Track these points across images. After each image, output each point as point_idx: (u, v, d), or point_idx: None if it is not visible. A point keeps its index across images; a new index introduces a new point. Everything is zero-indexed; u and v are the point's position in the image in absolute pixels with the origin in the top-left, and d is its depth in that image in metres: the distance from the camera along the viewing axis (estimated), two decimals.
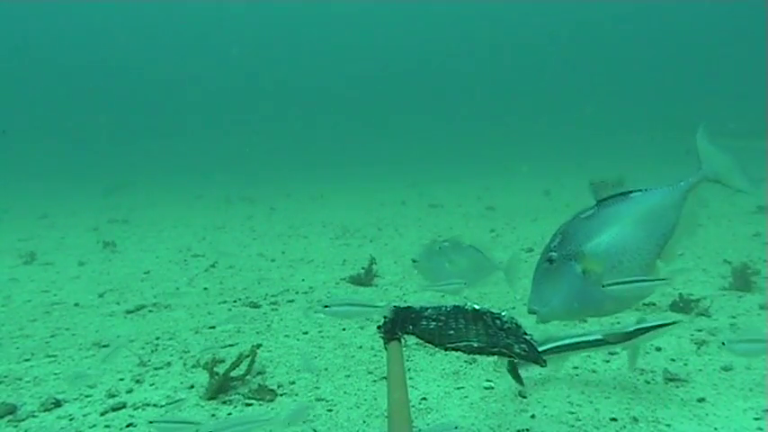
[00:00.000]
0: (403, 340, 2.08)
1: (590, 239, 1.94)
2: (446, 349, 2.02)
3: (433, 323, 2.12)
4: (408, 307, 2.26)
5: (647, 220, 1.98)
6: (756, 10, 37.03)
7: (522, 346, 2.01)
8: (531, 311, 2.04)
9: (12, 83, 52.52)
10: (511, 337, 2.06)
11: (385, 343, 2.07)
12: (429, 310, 2.22)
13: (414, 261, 3.14)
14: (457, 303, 2.29)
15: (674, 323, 2.35)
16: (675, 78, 49.28)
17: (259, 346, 3.23)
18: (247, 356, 3.13)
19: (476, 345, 1.98)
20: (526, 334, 2.13)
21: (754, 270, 4.64)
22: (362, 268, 5.51)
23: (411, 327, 2.11)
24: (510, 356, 1.98)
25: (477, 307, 2.25)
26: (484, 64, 58.57)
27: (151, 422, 2.37)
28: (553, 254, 1.97)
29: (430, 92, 56.85)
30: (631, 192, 2.02)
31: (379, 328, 2.14)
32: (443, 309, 2.24)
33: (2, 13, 52.66)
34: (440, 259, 3.06)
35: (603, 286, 1.91)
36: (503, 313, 2.24)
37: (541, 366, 2.02)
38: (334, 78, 59.09)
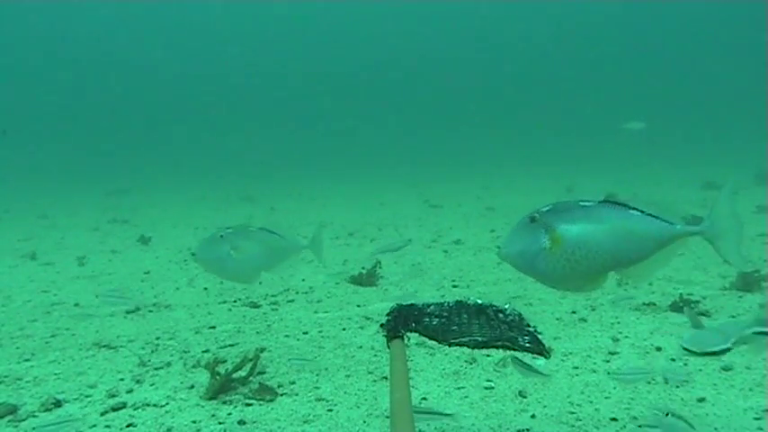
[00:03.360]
0: (406, 338, 2.07)
1: (567, 222, 2.09)
2: (450, 345, 2.01)
3: (436, 320, 2.12)
4: (411, 304, 2.26)
5: (624, 238, 2.05)
6: (756, 10, 37.01)
7: (527, 338, 2.01)
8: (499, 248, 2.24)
9: (12, 83, 52.52)
10: (514, 330, 2.06)
11: (388, 341, 2.07)
12: (431, 307, 2.23)
13: (192, 254, 2.92)
14: (460, 299, 2.29)
15: None
16: (675, 78, 49.29)
17: (263, 350, 3.23)
18: (251, 360, 3.13)
19: (480, 339, 1.98)
20: (529, 326, 2.12)
21: (762, 275, 4.60)
22: (363, 268, 5.51)
23: (414, 324, 2.10)
24: (514, 349, 1.98)
25: (479, 301, 2.26)
26: (484, 64, 58.55)
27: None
28: (537, 215, 2.16)
29: (430, 92, 56.84)
30: (632, 209, 2.06)
31: (381, 326, 2.14)
32: (446, 305, 2.24)
33: (2, 13, 52.67)
34: (223, 248, 2.83)
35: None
36: (505, 306, 2.24)
37: (546, 358, 2.01)
38: (334, 78, 59.08)
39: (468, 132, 41.08)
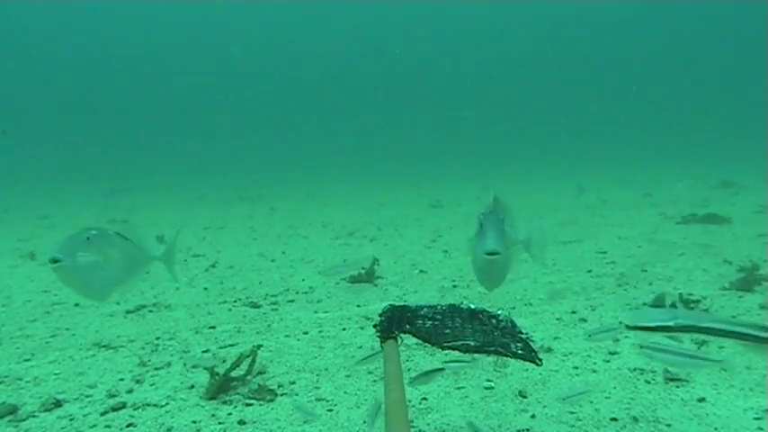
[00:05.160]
0: (400, 339, 2.08)
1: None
2: (443, 348, 2.02)
3: (429, 322, 2.13)
4: (404, 305, 2.26)
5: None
6: (756, 10, 37.01)
7: (519, 344, 2.02)
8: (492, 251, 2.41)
9: (12, 83, 52.53)
10: (507, 336, 2.07)
11: (381, 342, 2.07)
12: (425, 309, 2.23)
13: (54, 261, 2.20)
14: (453, 302, 2.30)
15: None
16: (675, 78, 49.28)
17: (260, 346, 3.23)
18: (248, 357, 3.12)
19: (472, 344, 1.98)
20: (522, 333, 2.13)
21: (762, 275, 4.59)
22: (363, 268, 5.51)
23: (407, 326, 2.11)
24: (506, 356, 1.98)
25: (472, 306, 2.26)
26: (485, 64, 58.55)
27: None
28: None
29: (430, 93, 56.85)
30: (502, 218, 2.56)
31: (375, 326, 2.15)
32: (439, 307, 2.25)
33: (2, 13, 52.67)
34: (89, 254, 2.26)
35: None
36: (498, 312, 2.25)
37: (537, 365, 2.02)
38: (334, 79, 59.10)
39: (468, 133, 41.09)
